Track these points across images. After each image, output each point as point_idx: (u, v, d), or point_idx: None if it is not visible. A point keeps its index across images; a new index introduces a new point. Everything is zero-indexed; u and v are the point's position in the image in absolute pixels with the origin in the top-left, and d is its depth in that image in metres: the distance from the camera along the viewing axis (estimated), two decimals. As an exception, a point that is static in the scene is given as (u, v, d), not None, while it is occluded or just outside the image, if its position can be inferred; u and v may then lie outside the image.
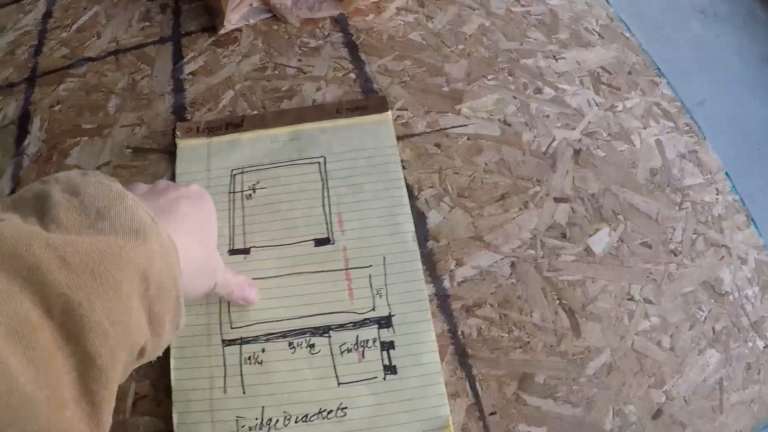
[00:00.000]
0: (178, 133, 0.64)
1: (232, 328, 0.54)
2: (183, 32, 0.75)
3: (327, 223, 0.59)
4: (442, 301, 0.56)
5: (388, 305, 0.55)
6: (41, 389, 0.28)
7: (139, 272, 0.33)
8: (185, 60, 0.72)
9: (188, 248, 0.41)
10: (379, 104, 0.65)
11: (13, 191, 0.63)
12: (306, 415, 0.51)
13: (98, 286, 0.31)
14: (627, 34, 0.76)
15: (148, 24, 0.77)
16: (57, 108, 0.69)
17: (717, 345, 0.55)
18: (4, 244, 0.29)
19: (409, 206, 0.59)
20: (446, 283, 0.57)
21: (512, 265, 0.58)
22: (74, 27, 0.78)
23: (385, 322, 0.54)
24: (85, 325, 0.30)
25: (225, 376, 0.52)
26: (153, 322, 0.36)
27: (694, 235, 0.60)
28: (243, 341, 0.53)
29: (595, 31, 0.75)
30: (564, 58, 0.72)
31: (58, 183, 0.36)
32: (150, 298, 0.35)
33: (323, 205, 0.60)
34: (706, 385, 0.53)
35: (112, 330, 0.31)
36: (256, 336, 0.54)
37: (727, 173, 0.64)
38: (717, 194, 0.63)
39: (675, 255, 0.59)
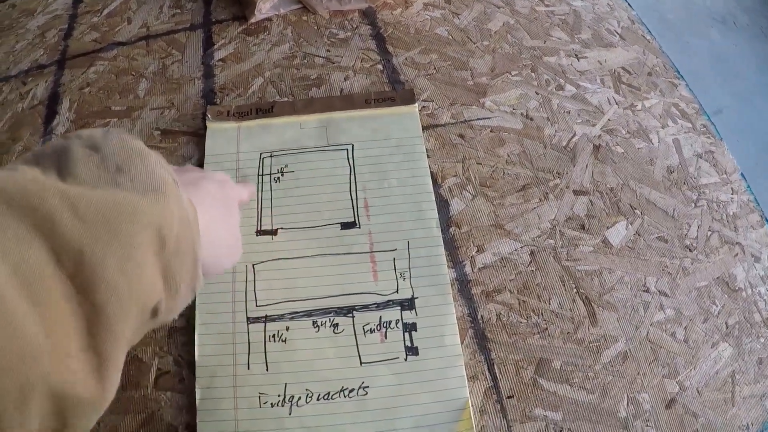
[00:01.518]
0: (208, 115, 0.65)
1: (257, 306, 0.55)
2: (214, 20, 0.77)
3: (353, 208, 0.60)
4: (463, 285, 0.57)
5: (411, 288, 0.56)
6: (46, 337, 0.28)
7: (154, 228, 0.33)
8: (215, 47, 0.74)
9: (210, 222, 0.41)
10: (407, 96, 0.67)
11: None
12: (328, 393, 0.52)
13: (111, 239, 0.31)
14: (648, 37, 0.77)
15: (179, 11, 0.79)
16: (86, 90, 0.71)
17: (729, 339, 0.56)
18: (17, 194, 0.29)
19: (433, 194, 0.61)
20: (467, 269, 0.58)
21: (531, 253, 0.59)
22: (105, 12, 0.79)
23: (408, 304, 0.55)
24: (95, 275, 0.30)
25: (249, 353, 0.53)
26: (168, 282, 0.35)
27: (709, 232, 0.61)
28: (268, 319, 0.55)
29: (617, 33, 0.77)
30: (586, 57, 0.73)
31: (79, 138, 0.36)
32: (166, 256, 0.34)
33: (350, 191, 0.61)
34: (719, 378, 0.54)
35: (123, 283, 0.31)
36: (281, 314, 0.55)
37: (742, 174, 0.65)
38: (732, 194, 0.64)
39: (690, 250, 0.60)
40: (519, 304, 0.56)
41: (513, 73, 0.71)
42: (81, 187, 0.32)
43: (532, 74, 0.71)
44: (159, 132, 0.67)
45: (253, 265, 0.57)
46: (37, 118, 0.69)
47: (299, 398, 0.51)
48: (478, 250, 0.59)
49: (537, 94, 0.69)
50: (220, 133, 0.64)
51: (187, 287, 0.37)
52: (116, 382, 0.32)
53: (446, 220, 0.60)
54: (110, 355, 0.31)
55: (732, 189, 0.64)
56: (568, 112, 0.68)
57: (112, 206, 0.31)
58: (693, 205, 0.62)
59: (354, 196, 0.61)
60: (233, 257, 0.49)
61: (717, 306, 0.57)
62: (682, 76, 0.73)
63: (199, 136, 0.65)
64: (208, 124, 0.65)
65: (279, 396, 0.52)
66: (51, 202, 0.30)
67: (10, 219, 0.29)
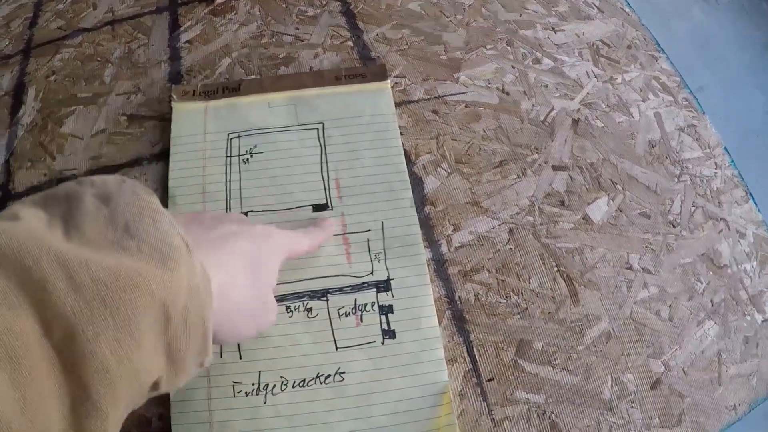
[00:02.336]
0: (173, 95, 0.63)
1: None
2: (180, 2, 0.75)
3: (325, 189, 0.58)
4: (440, 266, 0.55)
5: (387, 269, 0.54)
6: (25, 420, 0.25)
7: (158, 305, 0.30)
8: (182, 29, 0.72)
9: (230, 288, 0.39)
10: (379, 72, 0.65)
11: (6, 162, 0.62)
12: (303, 380, 0.50)
13: (107, 317, 0.28)
14: (627, 9, 0.75)
15: (144, -6, 0.76)
16: (52, 78, 0.69)
17: (715, 317, 0.54)
18: (12, 252, 0.27)
19: (407, 173, 0.59)
20: (443, 248, 0.56)
21: (510, 231, 0.57)
22: (69, -1, 0.77)
23: (383, 286, 0.53)
24: (85, 356, 0.27)
25: None
26: (172, 359, 0.33)
27: (693, 208, 0.59)
28: None
29: (595, 5, 0.75)
30: (563, 30, 0.71)
31: (93, 186, 0.34)
32: (171, 334, 0.32)
33: (321, 171, 0.59)
34: (705, 357, 0.53)
35: (117, 366, 0.28)
36: None
37: (725, 148, 0.64)
38: (716, 168, 0.62)
39: (674, 226, 0.58)
40: (498, 283, 0.55)
41: (488, 47, 0.69)
42: (84, 248, 0.29)
43: (508, 48, 0.69)
44: (125, 117, 0.64)
45: None
46: (3, 108, 0.67)
47: (274, 386, 0.50)
48: (454, 229, 0.57)
49: (513, 68, 0.67)
50: (186, 114, 0.62)
51: (193, 362, 0.35)
52: None
53: (421, 199, 0.59)
54: None
55: (715, 164, 0.63)
56: (546, 86, 0.66)
57: (113, 279, 0.28)
58: (676, 180, 0.61)
59: (326, 177, 0.59)
60: (258, 325, 0.45)
61: (702, 283, 0.56)
62: (662, 49, 0.71)
63: (165, 120, 0.63)
64: (173, 104, 0.63)
65: (253, 384, 0.50)
66: (46, 265, 0.27)
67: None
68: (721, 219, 0.59)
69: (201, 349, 0.34)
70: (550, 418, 0.50)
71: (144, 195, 0.34)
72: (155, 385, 0.33)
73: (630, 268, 0.56)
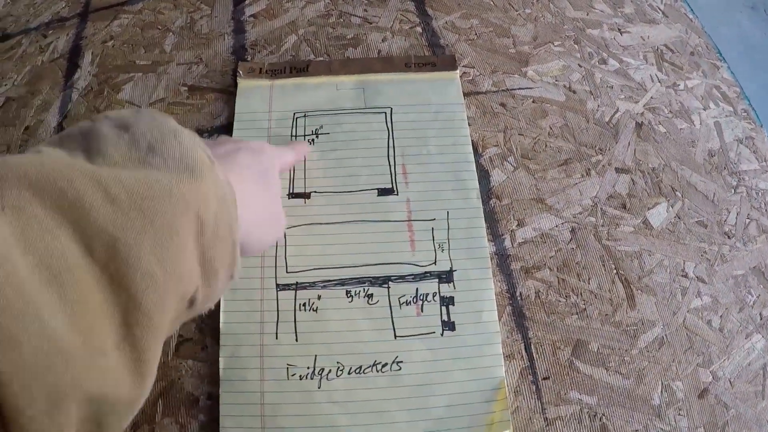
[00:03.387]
0: (240, 72, 0.62)
1: (287, 273, 0.53)
2: (244, -26, 0.74)
3: (391, 174, 0.58)
4: (502, 260, 0.55)
5: (450, 260, 0.54)
6: (77, 334, 0.25)
7: (193, 212, 0.30)
8: (246, 2, 0.71)
9: (248, 198, 0.39)
10: (448, 62, 0.64)
11: (59, 125, 0.61)
12: (360, 367, 0.50)
13: (147, 224, 0.28)
14: (690, 16, 0.75)
15: (208, -37, 0.75)
16: (110, 44, 0.68)
17: (763, 331, 0.54)
18: (42, 177, 0.27)
19: (474, 164, 0.59)
20: (507, 243, 0.56)
21: (572, 230, 0.57)
22: (129, -37, 0.76)
23: (446, 276, 0.53)
24: (130, 266, 0.27)
25: (277, 322, 0.51)
26: (206, 270, 0.33)
27: (747, 220, 0.59)
28: (298, 286, 0.52)
29: (660, 9, 0.75)
30: (629, 32, 0.71)
31: (108, 119, 0.33)
32: (204, 242, 0.32)
33: (388, 156, 0.59)
34: (751, 370, 0.53)
35: (162, 273, 0.28)
36: (313, 282, 0.53)
37: (781, 162, 0.64)
38: (771, 182, 0.62)
39: (729, 237, 0.58)
40: (558, 282, 0.55)
41: (555, 43, 0.69)
42: (111, 168, 0.29)
43: (575, 46, 0.69)
44: (186, 88, 0.64)
45: (285, 229, 0.54)
46: (58, 71, 0.66)
47: (329, 371, 0.49)
48: (518, 224, 0.57)
49: (580, 66, 0.67)
50: (251, 91, 0.62)
51: (225, 273, 0.35)
52: (153, 377, 0.31)
53: (486, 192, 0.58)
54: (149, 349, 0.29)
55: (771, 177, 0.63)
56: (611, 87, 0.66)
57: (146, 189, 0.29)
58: (733, 191, 0.61)
59: (392, 162, 0.58)
60: (275, 233, 0.47)
61: (752, 296, 0.56)
62: (723, 58, 0.71)
63: (228, 93, 0.63)
64: (239, 81, 0.62)
65: (308, 368, 0.50)
66: (80, 184, 0.27)
67: (35, 206, 0.26)
68: (774, 234, 0.59)
69: (231, 260, 0.35)
70: (600, 420, 0.50)
71: (162, 118, 0.34)
72: (192, 301, 0.33)
73: (685, 276, 0.56)
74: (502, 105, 0.63)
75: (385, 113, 0.61)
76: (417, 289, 0.53)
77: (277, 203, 0.46)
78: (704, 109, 0.66)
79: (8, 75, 0.66)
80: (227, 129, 0.60)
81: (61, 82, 0.65)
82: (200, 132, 0.60)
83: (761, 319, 0.55)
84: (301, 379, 0.49)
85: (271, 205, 0.45)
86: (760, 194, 0.61)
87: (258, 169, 0.43)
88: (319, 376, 0.49)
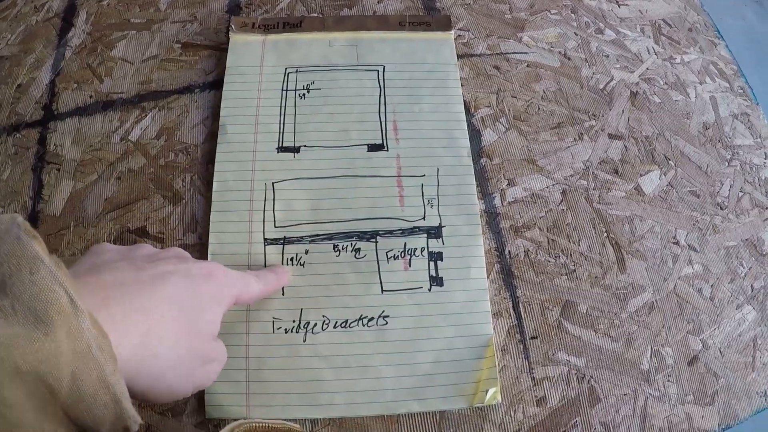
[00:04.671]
0: (232, 26, 0.62)
1: (275, 227, 0.52)
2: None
3: (382, 130, 0.57)
4: (492, 218, 0.55)
5: (439, 216, 0.53)
6: None
7: (31, 377, 0.25)
8: (242, -39, 0.70)
9: (160, 342, 0.34)
10: (443, 23, 0.64)
11: (51, 82, 0.61)
12: (346, 321, 0.49)
13: None
14: (690, -6, 0.75)
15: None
16: (105, 2, 0.67)
17: (754, 303, 0.54)
18: None
19: (465, 122, 0.58)
20: (497, 202, 0.56)
21: (563, 192, 0.56)
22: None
23: (434, 232, 0.53)
24: None
25: None
26: (79, 425, 0.28)
27: (741, 193, 0.59)
28: (286, 241, 0.52)
29: (658, -15, 0.74)
30: (627, 5, 0.71)
31: None
32: (63, 404, 0.27)
33: (379, 112, 0.58)
34: (741, 341, 0.52)
35: None
36: (300, 237, 0.52)
37: (776, 141, 0.63)
38: (765, 158, 0.62)
39: (721, 208, 0.58)
40: (548, 242, 0.54)
41: (552, 11, 0.68)
42: None
43: (572, 15, 0.68)
44: (179, 45, 0.63)
45: (273, 183, 0.54)
46: (52, 29, 0.65)
47: (315, 325, 0.49)
48: (509, 184, 0.56)
49: (576, 35, 0.67)
50: (243, 46, 0.61)
51: (111, 429, 0.29)
52: None
53: (477, 150, 0.58)
54: None
55: (765, 153, 0.62)
56: (607, 56, 0.65)
57: None
58: (726, 164, 0.60)
59: (383, 118, 0.58)
60: (196, 382, 0.39)
61: (744, 268, 0.55)
62: (722, 37, 0.70)
63: (221, 50, 0.62)
64: (231, 35, 0.61)
65: (294, 322, 0.49)
66: None
67: None
68: (766, 208, 0.59)
69: (116, 416, 0.29)
70: (588, 382, 0.49)
71: (26, 241, 0.28)
72: None
73: (677, 243, 0.55)
74: (496, 68, 0.63)
75: (378, 71, 0.60)
76: (405, 243, 0.52)
77: (204, 347, 0.39)
78: (700, 84, 0.65)
79: (2, 35, 0.65)
80: (218, 84, 0.59)
81: (55, 41, 0.64)
82: (192, 87, 0.60)
83: (752, 291, 0.54)
84: (286, 332, 0.49)
85: (193, 349, 0.37)
86: (754, 169, 0.61)
87: (188, 304, 0.37)
88: (305, 330, 0.49)
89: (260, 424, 0.36)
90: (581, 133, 0.60)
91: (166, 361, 0.34)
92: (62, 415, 0.27)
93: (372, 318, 0.49)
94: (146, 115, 0.58)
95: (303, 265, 0.51)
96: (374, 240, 0.52)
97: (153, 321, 0.33)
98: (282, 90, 0.59)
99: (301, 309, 0.49)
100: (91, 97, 0.60)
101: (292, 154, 0.55)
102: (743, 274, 0.55)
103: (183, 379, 0.37)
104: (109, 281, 0.33)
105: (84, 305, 0.28)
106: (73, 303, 0.27)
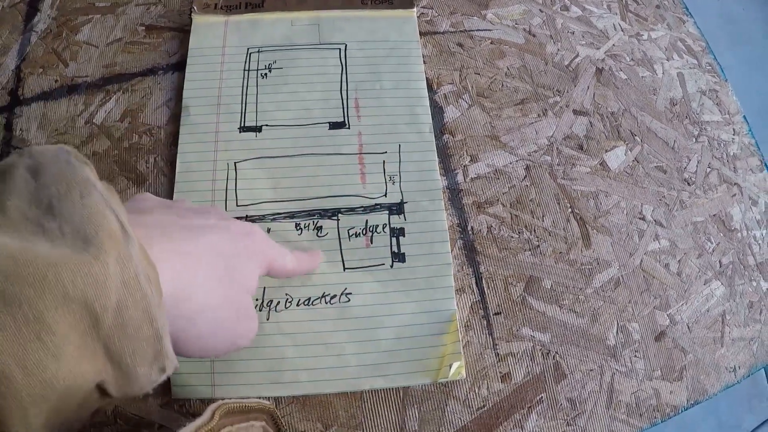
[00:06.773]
0: (194, 8, 0.61)
1: (237, 206, 0.52)
2: None
3: (344, 108, 0.57)
4: (454, 194, 0.54)
5: (401, 192, 0.53)
6: None
7: (78, 302, 0.24)
8: (205, -55, 0.70)
9: (196, 287, 0.33)
10: (405, 0, 0.63)
11: (17, 67, 0.60)
12: (309, 299, 0.49)
13: (5, 315, 0.22)
14: (657, -30, 0.74)
15: None
16: (69, -13, 0.67)
17: (722, 278, 0.54)
18: None
19: (427, 99, 0.58)
20: (459, 178, 0.55)
21: (527, 168, 0.56)
22: None
23: (396, 208, 0.52)
24: None
25: None
26: (117, 364, 0.27)
27: (708, 169, 0.59)
28: (248, 219, 0.51)
29: (625, -38, 0.74)
30: (593, -18, 0.70)
31: (29, 157, 0.28)
32: (105, 335, 0.26)
33: (341, 90, 0.58)
34: (709, 316, 0.52)
35: (23, 376, 0.23)
36: (263, 215, 0.52)
37: (744, 117, 0.63)
38: (734, 134, 0.62)
39: (688, 184, 0.57)
40: (511, 218, 0.54)
41: (517, -11, 0.68)
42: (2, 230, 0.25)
43: (537, -8, 0.68)
44: (143, 27, 0.63)
45: (235, 162, 0.53)
46: (17, 15, 0.65)
47: (278, 303, 0.49)
48: (471, 160, 0.56)
49: (541, 11, 0.66)
50: (206, 27, 0.60)
51: (148, 368, 0.28)
52: None
53: (440, 127, 0.58)
54: None
55: (734, 130, 0.62)
56: (572, 33, 0.65)
57: (15, 267, 0.23)
58: (694, 139, 0.60)
59: (345, 96, 0.57)
60: (234, 337, 0.38)
61: (712, 243, 0.55)
62: (690, 14, 0.70)
63: (185, 32, 0.62)
64: (193, 17, 0.61)
65: (257, 300, 0.49)
66: None
67: None
68: (735, 184, 0.59)
69: (153, 355, 0.28)
70: (554, 358, 0.49)
71: (77, 166, 0.28)
72: (103, 391, 0.28)
73: (643, 219, 0.55)
74: (459, 45, 0.63)
75: (340, 49, 0.60)
76: (366, 221, 0.52)
77: (242, 301, 0.38)
78: (667, 60, 0.65)
79: (-34, 23, 0.64)
80: (182, 66, 0.59)
81: (21, 27, 0.64)
82: (156, 69, 0.59)
83: (721, 266, 0.54)
84: None
85: (230, 301, 0.36)
86: (722, 145, 0.61)
87: (228, 257, 0.36)
88: (268, 308, 0.48)
89: (237, 404, 0.35)
90: (545, 109, 0.59)
91: (201, 307, 0.34)
92: (102, 354, 0.26)
93: (335, 295, 0.49)
94: (110, 98, 0.58)
95: None
96: (336, 218, 0.52)
97: (190, 264, 0.33)
98: (244, 70, 0.58)
99: (264, 288, 0.49)
100: (56, 81, 0.59)
101: (254, 133, 0.55)
102: (711, 250, 0.55)
103: (217, 330, 0.36)
104: (150, 222, 0.33)
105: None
106: (124, 229, 0.27)
